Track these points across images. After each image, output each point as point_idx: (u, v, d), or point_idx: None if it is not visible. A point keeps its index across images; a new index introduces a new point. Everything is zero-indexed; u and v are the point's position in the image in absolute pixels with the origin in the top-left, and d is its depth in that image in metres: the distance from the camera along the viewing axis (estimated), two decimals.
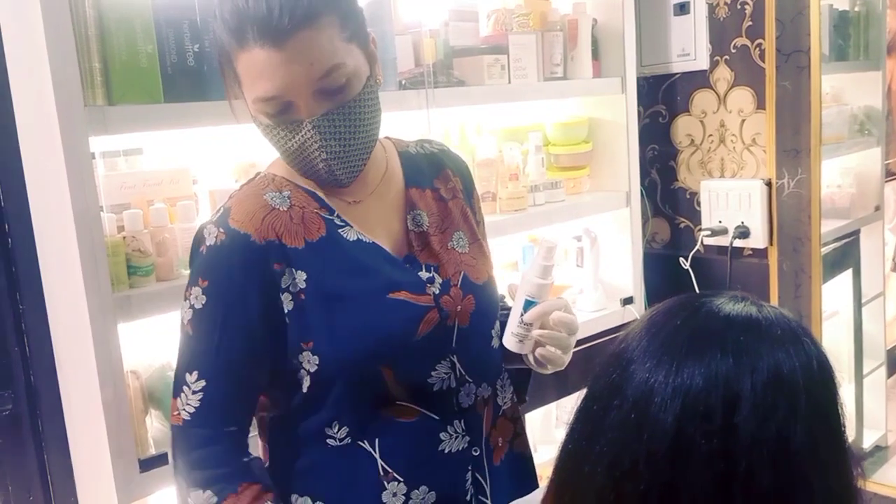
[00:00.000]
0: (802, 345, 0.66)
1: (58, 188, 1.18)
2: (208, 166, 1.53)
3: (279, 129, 0.98)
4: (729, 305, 0.69)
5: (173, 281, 1.32)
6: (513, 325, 1.07)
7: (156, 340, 1.39)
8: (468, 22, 1.81)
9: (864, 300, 2.30)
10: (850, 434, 2.08)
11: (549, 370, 1.12)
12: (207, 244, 1.00)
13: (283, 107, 0.96)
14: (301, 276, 0.99)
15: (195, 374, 0.98)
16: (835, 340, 2.29)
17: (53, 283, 1.34)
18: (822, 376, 0.66)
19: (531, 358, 1.10)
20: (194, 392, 0.98)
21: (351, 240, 1.04)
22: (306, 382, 1.00)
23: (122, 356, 1.23)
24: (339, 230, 1.04)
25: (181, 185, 1.45)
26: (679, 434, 0.62)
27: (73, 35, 1.17)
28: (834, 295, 2.23)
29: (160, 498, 1.44)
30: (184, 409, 0.99)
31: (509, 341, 1.07)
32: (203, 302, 0.98)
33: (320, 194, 1.05)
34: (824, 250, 2.15)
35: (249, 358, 0.99)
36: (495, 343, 1.11)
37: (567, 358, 1.10)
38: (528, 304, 1.06)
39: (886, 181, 2.20)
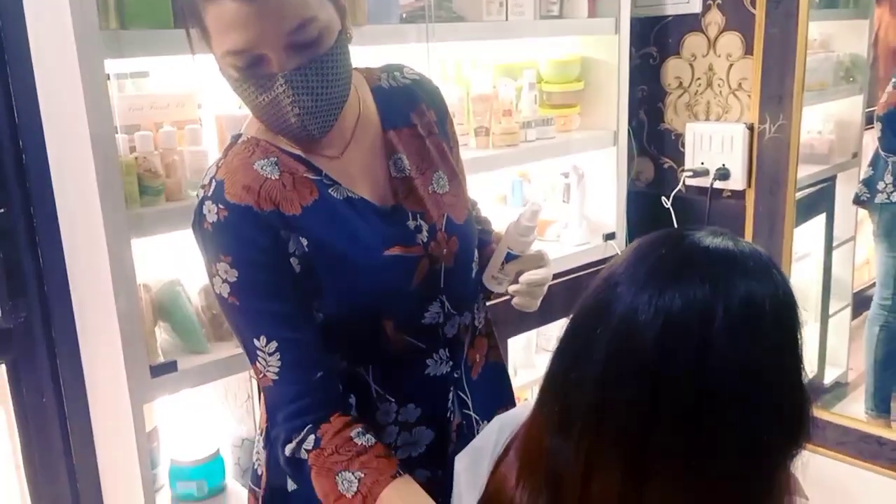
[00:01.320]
0: (772, 277, 0.74)
1: (74, 109, 1.23)
2: (212, 92, 1.57)
3: (249, 83, 0.96)
4: (708, 239, 0.76)
5: (182, 201, 1.38)
6: (493, 270, 1.16)
7: (165, 257, 1.46)
8: None
9: (835, 244, 2.37)
10: (813, 369, 2.19)
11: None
12: (210, 221, 1.01)
13: (253, 60, 0.95)
14: (303, 242, 1.02)
15: (263, 339, 1.01)
16: (805, 281, 2.37)
17: (67, 200, 1.40)
18: (786, 305, 0.74)
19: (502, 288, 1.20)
20: (270, 354, 1.01)
21: (340, 199, 1.05)
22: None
23: (135, 270, 1.30)
24: (329, 190, 1.05)
25: (186, 108, 1.49)
26: (660, 348, 0.70)
27: None
28: (807, 238, 2.30)
29: (166, 401, 1.54)
30: (269, 372, 1.02)
31: (488, 282, 1.17)
32: (235, 275, 1.00)
33: (305, 156, 1.06)
34: (800, 194, 2.21)
35: (297, 304, 1.02)
36: (474, 274, 1.18)
37: (537, 303, 1.19)
38: (510, 257, 1.15)
39: (866, 129, 2.23)
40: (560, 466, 0.78)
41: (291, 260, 1.02)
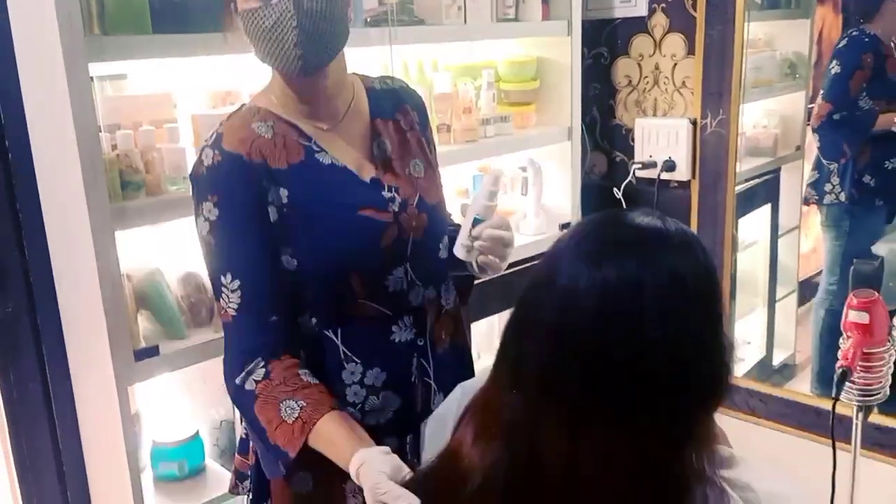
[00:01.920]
0: (695, 252, 0.84)
1: (60, 109, 1.31)
2: (187, 92, 1.66)
3: (261, 8, 1.10)
4: (640, 218, 0.86)
5: (161, 196, 1.47)
6: (462, 238, 1.26)
7: (146, 248, 1.55)
8: None
9: (780, 232, 2.50)
10: (762, 350, 2.29)
11: (488, 275, 1.32)
12: (206, 165, 1.16)
13: None
14: (284, 193, 1.16)
15: (229, 276, 1.15)
16: (752, 268, 2.50)
17: (51, 195, 1.48)
18: (707, 277, 0.84)
19: (474, 265, 1.29)
20: (233, 291, 1.15)
21: (326, 164, 1.20)
22: (285, 279, 1.18)
23: (118, 260, 1.39)
24: (316, 155, 1.20)
25: (163, 108, 1.58)
26: (597, 314, 0.80)
27: None
28: (754, 226, 2.43)
29: (147, 387, 1.63)
30: (229, 307, 1.16)
31: (459, 250, 1.26)
32: (216, 214, 1.15)
33: (299, 125, 1.21)
34: (746, 185, 2.34)
35: (266, 251, 1.16)
36: (442, 254, 1.30)
37: (503, 265, 1.29)
38: (476, 221, 1.25)
39: (808, 124, 2.35)
40: (511, 419, 0.87)
41: (269, 208, 1.16)
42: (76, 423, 1.63)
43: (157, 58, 1.45)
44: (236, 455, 1.33)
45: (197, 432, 1.71)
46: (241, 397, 1.16)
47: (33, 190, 1.50)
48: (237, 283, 1.15)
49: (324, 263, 1.18)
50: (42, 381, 1.60)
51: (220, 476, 1.70)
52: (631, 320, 0.80)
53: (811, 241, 2.45)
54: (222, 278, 1.16)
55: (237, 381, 1.15)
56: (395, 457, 1.06)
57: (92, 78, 1.34)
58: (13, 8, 1.41)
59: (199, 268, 1.31)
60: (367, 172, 1.24)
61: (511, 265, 1.35)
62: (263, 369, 1.14)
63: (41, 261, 1.54)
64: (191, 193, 1.20)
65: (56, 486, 1.65)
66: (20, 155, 1.49)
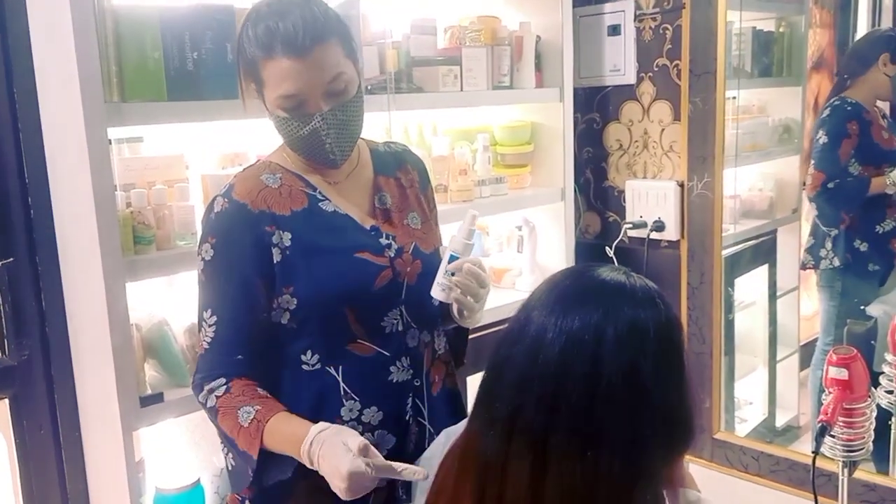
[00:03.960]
0: (656, 305, 0.91)
1: (80, 170, 1.42)
2: (198, 154, 1.77)
3: (294, 120, 1.25)
4: (606, 273, 0.94)
5: (170, 250, 1.57)
6: (439, 277, 1.31)
7: (154, 300, 1.63)
8: (427, 35, 2.04)
9: (779, 293, 2.54)
10: (764, 412, 2.26)
11: (469, 320, 1.39)
12: (215, 211, 1.28)
13: (298, 103, 1.24)
14: (287, 236, 1.27)
15: (209, 312, 1.27)
16: (752, 328, 2.53)
17: (68, 249, 1.58)
18: (668, 328, 0.91)
19: (454, 309, 1.36)
20: (209, 326, 1.26)
21: (328, 210, 1.32)
22: (286, 317, 1.27)
23: (128, 310, 1.48)
24: (320, 203, 1.32)
25: (176, 169, 1.69)
26: (562, 361, 0.87)
27: (97, 42, 1.40)
28: (752, 287, 2.48)
29: (153, 430, 1.69)
30: (204, 340, 1.28)
31: (435, 291, 1.31)
32: (211, 255, 1.27)
33: (306, 177, 1.33)
34: (742, 246, 2.41)
35: (247, 298, 1.26)
36: (435, 301, 1.37)
37: (478, 305, 1.35)
38: (452, 258, 1.31)
39: (804, 188, 2.38)
40: (486, 457, 0.93)
41: (273, 249, 1.27)
42: (83, 468, 1.69)
43: (171, 123, 1.56)
44: (228, 495, 1.39)
45: (198, 480, 1.76)
46: (209, 415, 1.27)
47: (52, 242, 1.60)
48: (214, 318, 1.26)
49: (321, 300, 1.27)
50: (52, 426, 1.67)
51: None
52: (593, 367, 0.86)
53: (814, 303, 2.47)
54: (204, 314, 1.28)
55: (200, 398, 1.27)
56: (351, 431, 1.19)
57: (110, 140, 1.45)
58: (39, 74, 1.54)
59: None
60: (368, 221, 1.35)
61: (507, 320, 1.40)
62: (224, 386, 1.25)
63: (56, 311, 1.63)
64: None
65: None
66: (41, 210, 1.60)
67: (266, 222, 1.27)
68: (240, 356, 1.27)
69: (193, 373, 1.30)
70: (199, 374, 1.28)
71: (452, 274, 1.30)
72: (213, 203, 1.29)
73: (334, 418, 1.27)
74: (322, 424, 1.19)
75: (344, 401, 1.28)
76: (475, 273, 1.32)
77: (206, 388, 1.26)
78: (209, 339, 1.27)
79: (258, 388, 1.26)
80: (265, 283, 1.27)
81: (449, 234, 1.47)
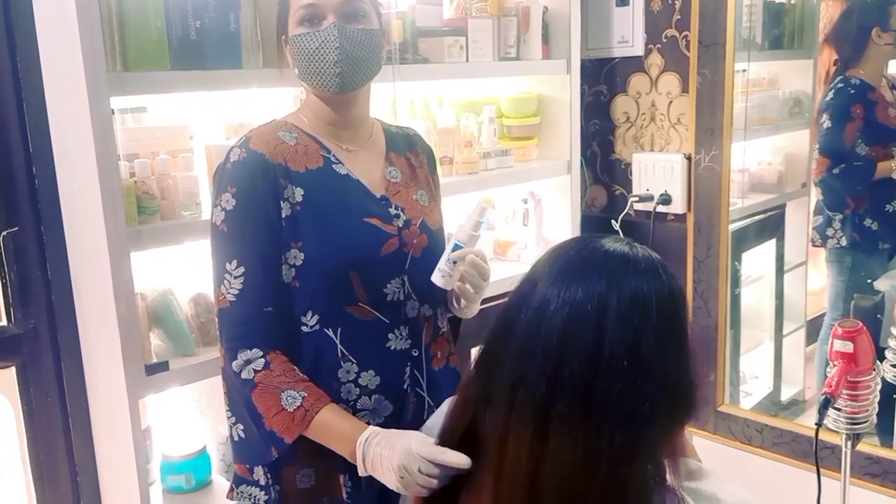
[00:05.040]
0: (659, 276, 0.90)
1: (84, 139, 1.42)
2: (203, 125, 1.77)
3: (308, 35, 1.28)
4: (609, 244, 0.93)
5: (174, 220, 1.57)
6: (441, 263, 1.33)
7: (159, 269, 1.64)
8: (433, 6, 2.03)
9: (786, 268, 2.53)
10: (769, 385, 2.27)
11: (466, 310, 1.41)
12: (232, 160, 1.28)
13: (315, 14, 1.28)
14: (299, 192, 1.28)
15: (234, 263, 1.25)
16: (759, 302, 2.52)
17: (73, 219, 1.59)
18: (671, 299, 0.90)
19: (453, 300, 1.38)
20: (235, 277, 1.25)
21: (341, 174, 1.33)
22: (291, 274, 1.28)
23: (133, 279, 1.49)
24: (333, 165, 1.34)
25: (180, 139, 1.69)
26: (565, 331, 0.86)
27: (99, 12, 1.39)
28: (760, 261, 2.47)
29: (158, 403, 1.71)
30: (228, 293, 1.26)
31: (436, 277, 1.33)
32: (233, 204, 1.26)
33: (323, 141, 1.35)
34: (750, 220, 2.39)
35: (273, 244, 1.26)
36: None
37: (477, 297, 1.38)
38: (457, 247, 1.32)
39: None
40: (483, 431, 0.94)
41: (283, 203, 1.27)
42: (90, 435, 1.72)
43: (174, 92, 1.55)
44: (236, 464, 1.40)
45: (204, 447, 1.79)
46: (237, 383, 1.25)
47: (57, 211, 1.61)
48: (241, 269, 1.25)
49: (328, 259, 1.27)
50: (59, 394, 1.69)
51: (225, 489, 1.76)
52: (596, 337, 0.86)
53: (822, 279, 2.46)
54: (227, 265, 1.26)
55: (234, 367, 1.24)
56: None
57: (113, 111, 1.45)
58: (42, 45, 1.53)
59: (209, 289, 1.40)
60: (378, 190, 1.36)
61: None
62: (263, 360, 1.23)
63: (62, 280, 1.65)
64: (212, 191, 1.33)
65: (70, 494, 1.73)
66: (45, 180, 1.61)
67: (281, 174, 1.28)
68: (269, 307, 1.26)
69: (220, 329, 1.27)
70: (229, 334, 1.25)
71: (455, 262, 1.31)
72: (230, 154, 1.29)
73: (331, 380, 1.28)
74: (374, 428, 1.19)
75: (341, 362, 1.29)
76: (477, 264, 1.34)
77: (242, 356, 1.24)
78: (236, 291, 1.25)
79: (295, 368, 1.25)
80: (281, 234, 1.27)
81: (452, 207, 1.48)
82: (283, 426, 1.20)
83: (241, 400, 1.26)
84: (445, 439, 1.02)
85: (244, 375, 1.23)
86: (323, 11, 1.28)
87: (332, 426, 1.20)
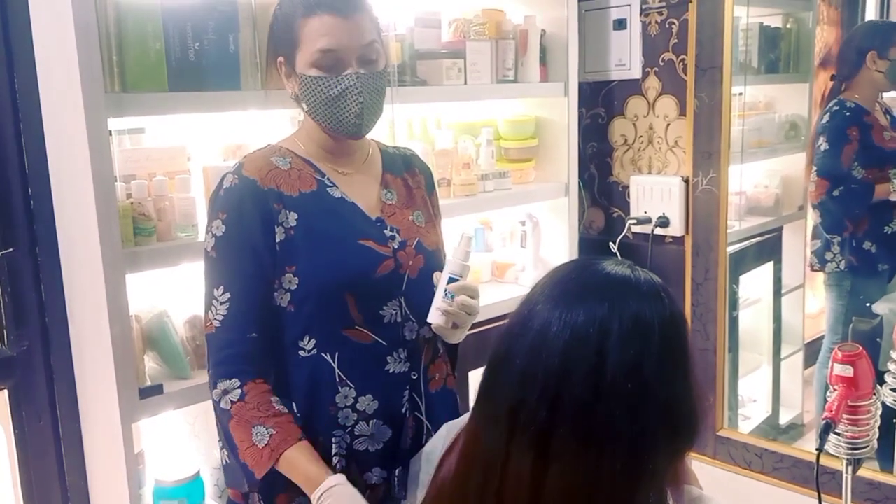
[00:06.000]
0: (661, 300, 0.89)
1: (81, 160, 1.41)
2: (200, 146, 1.76)
3: (327, 79, 1.27)
4: (611, 266, 0.92)
5: (171, 241, 1.56)
6: (438, 301, 1.31)
7: (154, 292, 1.63)
8: (431, 28, 2.03)
9: (784, 291, 2.53)
10: (768, 409, 2.25)
11: (451, 338, 1.39)
12: (225, 187, 1.29)
13: (335, 61, 1.27)
14: (293, 216, 1.28)
15: (221, 289, 1.25)
16: (756, 325, 2.52)
17: (68, 240, 1.57)
18: (673, 323, 0.89)
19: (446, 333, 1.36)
20: (221, 303, 1.25)
21: (336, 196, 1.33)
22: (286, 298, 1.27)
23: (128, 301, 1.47)
24: (328, 188, 1.33)
25: (178, 161, 1.68)
26: (567, 355, 0.85)
27: (98, 33, 1.39)
28: (757, 284, 2.47)
29: (152, 422, 1.69)
30: (214, 319, 1.26)
31: (434, 316, 1.31)
32: (223, 230, 1.26)
33: (317, 164, 1.34)
34: (747, 243, 2.40)
35: (260, 270, 1.26)
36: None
37: (456, 333, 1.37)
38: (452, 280, 1.31)
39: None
40: (488, 454, 0.92)
41: (277, 228, 1.27)
42: (83, 459, 1.69)
43: (172, 114, 1.55)
44: (229, 489, 1.38)
45: (198, 472, 1.76)
46: (217, 411, 1.26)
47: (52, 233, 1.60)
48: (227, 295, 1.25)
49: (321, 281, 1.27)
50: (52, 417, 1.67)
51: None
52: (597, 361, 0.84)
53: (820, 301, 2.45)
54: (215, 291, 1.26)
55: (213, 396, 1.25)
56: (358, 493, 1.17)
57: (111, 132, 1.45)
58: (40, 65, 1.53)
59: None
60: (374, 212, 1.36)
61: (509, 315, 1.39)
62: (239, 391, 1.23)
63: (56, 302, 1.63)
64: (207, 213, 1.32)
65: None
66: (41, 201, 1.60)
67: (273, 200, 1.28)
68: (253, 333, 1.26)
69: (207, 354, 1.29)
70: (213, 359, 1.27)
71: (453, 296, 1.30)
72: (223, 180, 1.30)
73: (328, 405, 1.27)
74: (338, 477, 1.20)
75: (339, 387, 1.28)
76: (467, 304, 1.32)
77: (221, 386, 1.25)
78: (221, 317, 1.26)
79: (271, 400, 1.24)
80: (272, 261, 1.27)
81: (450, 230, 1.47)
82: (253, 461, 1.21)
83: (221, 427, 1.27)
84: (457, 472, 0.99)
85: (222, 405, 1.24)
86: (345, 60, 1.27)
87: (296, 468, 1.21)
